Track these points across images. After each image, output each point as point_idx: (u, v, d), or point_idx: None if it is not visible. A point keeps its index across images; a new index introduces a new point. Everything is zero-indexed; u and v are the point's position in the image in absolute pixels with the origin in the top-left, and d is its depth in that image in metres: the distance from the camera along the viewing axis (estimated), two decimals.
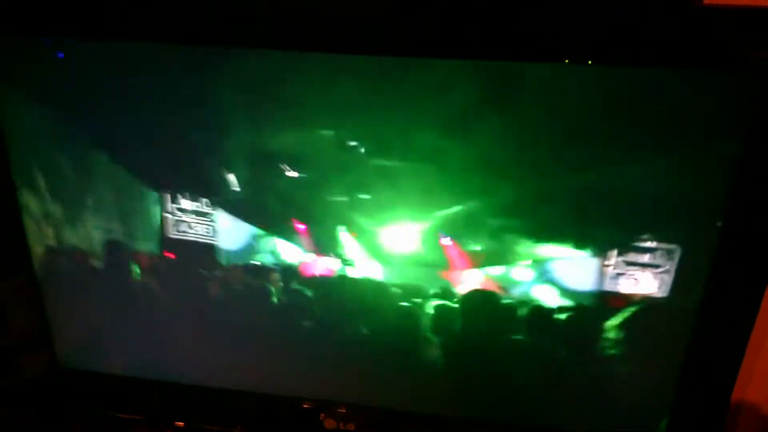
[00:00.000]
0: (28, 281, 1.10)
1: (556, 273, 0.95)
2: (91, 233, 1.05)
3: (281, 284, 1.04)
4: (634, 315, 0.94)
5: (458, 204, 0.92)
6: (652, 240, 0.90)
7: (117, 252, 1.06)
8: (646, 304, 0.93)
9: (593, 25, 0.80)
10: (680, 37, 0.78)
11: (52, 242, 1.07)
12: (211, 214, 1.01)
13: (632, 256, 0.91)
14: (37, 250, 1.08)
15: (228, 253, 1.04)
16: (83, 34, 0.92)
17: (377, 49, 0.85)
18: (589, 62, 0.82)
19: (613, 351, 0.96)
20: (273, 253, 1.03)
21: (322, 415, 1.10)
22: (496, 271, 0.97)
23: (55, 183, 1.03)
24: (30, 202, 1.04)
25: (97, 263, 1.07)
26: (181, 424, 1.16)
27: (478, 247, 0.96)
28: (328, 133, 0.92)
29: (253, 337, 1.08)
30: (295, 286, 1.04)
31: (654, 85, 0.82)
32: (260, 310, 1.06)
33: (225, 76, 0.92)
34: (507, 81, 0.86)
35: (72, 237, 1.06)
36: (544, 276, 0.96)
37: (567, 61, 0.82)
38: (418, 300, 1.00)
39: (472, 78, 0.86)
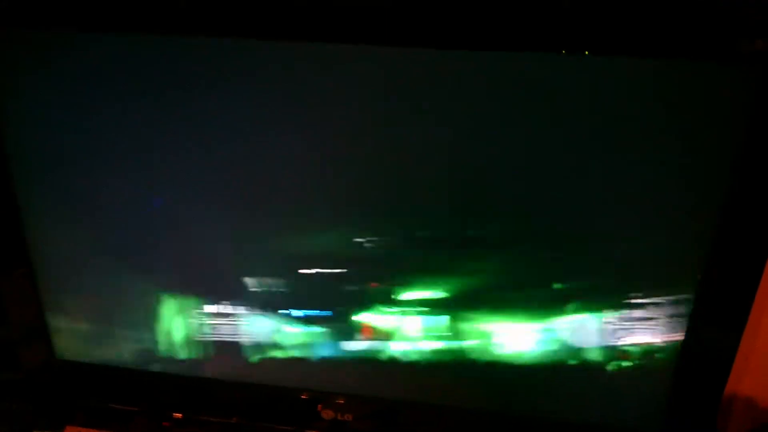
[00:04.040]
0: (25, 274, 1.09)
1: None
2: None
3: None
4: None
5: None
6: None
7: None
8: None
9: (590, 14, 0.79)
10: (679, 28, 0.78)
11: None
12: (235, 315, 1.06)
13: None
14: None
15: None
16: None
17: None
18: (586, 53, 0.81)
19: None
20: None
21: (320, 406, 1.10)
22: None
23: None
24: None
25: None
26: (179, 415, 1.16)
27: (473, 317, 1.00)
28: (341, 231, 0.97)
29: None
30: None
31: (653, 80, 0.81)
32: None
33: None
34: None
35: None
36: None
37: (564, 51, 0.81)
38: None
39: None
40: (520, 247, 0.94)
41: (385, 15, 0.83)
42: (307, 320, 1.05)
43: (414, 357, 1.04)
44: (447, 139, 0.89)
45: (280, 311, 1.04)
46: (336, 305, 1.03)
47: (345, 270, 1.00)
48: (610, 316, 0.95)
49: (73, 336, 1.14)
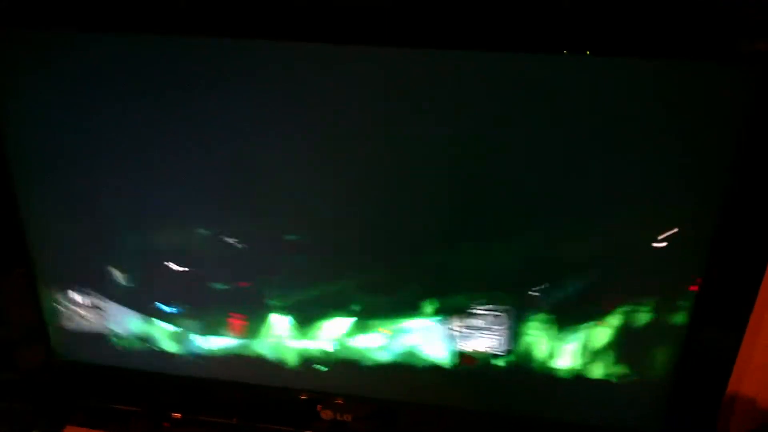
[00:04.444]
0: (24, 274, 1.09)
1: None
2: None
3: None
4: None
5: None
6: None
7: None
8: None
9: (590, 14, 0.80)
10: (679, 28, 0.78)
11: None
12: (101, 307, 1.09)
13: None
14: None
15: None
16: None
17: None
18: (587, 53, 0.81)
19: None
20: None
21: (319, 406, 1.10)
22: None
23: None
24: None
25: None
26: (179, 415, 1.17)
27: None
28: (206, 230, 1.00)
29: None
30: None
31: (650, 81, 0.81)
32: None
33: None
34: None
35: None
36: None
37: (565, 52, 0.81)
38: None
39: None
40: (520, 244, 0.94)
41: (385, 15, 0.83)
42: (173, 315, 1.07)
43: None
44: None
45: (149, 305, 1.07)
46: (203, 302, 1.05)
47: (212, 267, 1.02)
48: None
49: (72, 336, 1.14)
